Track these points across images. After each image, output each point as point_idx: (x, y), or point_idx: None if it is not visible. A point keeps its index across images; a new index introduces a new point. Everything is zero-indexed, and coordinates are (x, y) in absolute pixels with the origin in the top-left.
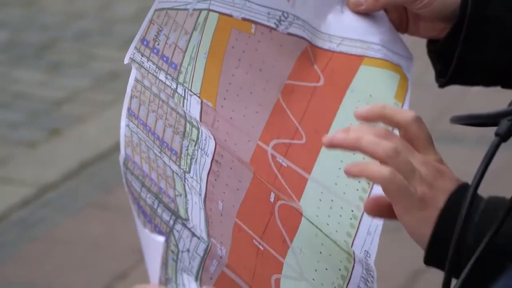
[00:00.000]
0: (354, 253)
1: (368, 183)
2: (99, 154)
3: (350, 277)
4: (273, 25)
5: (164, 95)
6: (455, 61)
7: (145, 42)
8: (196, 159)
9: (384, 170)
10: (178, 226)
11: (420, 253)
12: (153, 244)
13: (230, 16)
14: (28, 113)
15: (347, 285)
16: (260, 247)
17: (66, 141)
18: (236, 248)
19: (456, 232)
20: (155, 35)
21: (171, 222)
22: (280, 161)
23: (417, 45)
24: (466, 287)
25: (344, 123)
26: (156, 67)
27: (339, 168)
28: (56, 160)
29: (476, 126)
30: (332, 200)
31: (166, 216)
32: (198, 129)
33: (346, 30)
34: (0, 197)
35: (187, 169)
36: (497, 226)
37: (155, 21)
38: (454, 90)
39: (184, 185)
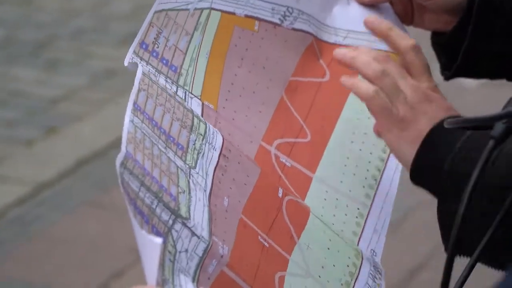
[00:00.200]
0: (361, 250)
1: (375, 180)
2: (95, 153)
3: (358, 273)
4: (277, 21)
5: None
6: (462, 53)
7: (144, 45)
8: (203, 154)
9: (370, 89)
10: (178, 226)
11: (416, 253)
12: (150, 245)
13: (233, 13)
14: (24, 112)
15: (355, 281)
16: (266, 243)
17: (63, 139)
18: (239, 245)
19: (453, 235)
20: (154, 38)
21: (170, 221)
22: (284, 161)
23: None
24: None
25: (350, 118)
26: (156, 71)
27: (345, 165)
28: (52, 159)
29: (472, 129)
30: (337, 199)
31: (165, 215)
32: (205, 123)
33: (352, 23)
34: None
35: (193, 164)
36: (497, 222)
37: (155, 23)
38: (450, 88)
39: (189, 181)
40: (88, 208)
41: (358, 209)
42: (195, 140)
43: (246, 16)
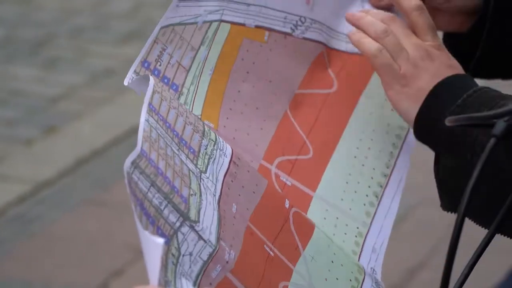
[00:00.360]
0: (363, 267)
1: (376, 196)
2: (95, 151)
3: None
4: (288, 30)
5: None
6: (478, 55)
7: (145, 64)
8: (214, 159)
9: (373, 45)
10: (185, 229)
11: (416, 252)
12: (153, 245)
13: (243, 25)
14: (24, 110)
15: None
16: (271, 252)
17: (62, 138)
18: (245, 252)
19: (453, 237)
20: (157, 55)
21: (177, 224)
22: (284, 179)
23: None
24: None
25: (355, 132)
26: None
27: (346, 182)
28: (52, 157)
29: (473, 127)
30: (337, 218)
31: (173, 217)
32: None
33: None
34: None
35: (204, 169)
36: (494, 228)
37: (160, 39)
38: None
39: (200, 185)
40: (87, 206)
41: (357, 228)
42: (207, 145)
43: (257, 26)
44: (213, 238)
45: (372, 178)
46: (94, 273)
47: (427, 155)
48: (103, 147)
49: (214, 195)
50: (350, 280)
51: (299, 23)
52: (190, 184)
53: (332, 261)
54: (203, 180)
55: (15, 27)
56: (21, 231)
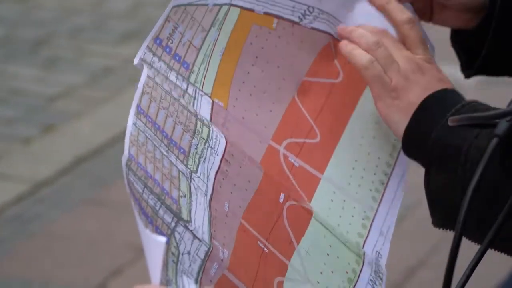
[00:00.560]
0: (364, 254)
1: (382, 184)
2: (93, 150)
3: (358, 279)
4: (296, 19)
5: (176, 93)
6: (484, 52)
7: (158, 41)
8: (205, 158)
9: (364, 57)
10: (180, 228)
11: (415, 250)
12: (154, 244)
13: (252, 10)
14: (23, 109)
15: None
16: (265, 249)
17: (61, 137)
18: (239, 250)
19: (454, 240)
20: (169, 33)
21: (173, 224)
22: (292, 161)
23: None
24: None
25: (360, 121)
26: (167, 67)
27: (353, 168)
28: (50, 156)
29: (475, 127)
30: (344, 200)
31: (167, 217)
32: (209, 127)
33: (372, 21)
34: None
35: (194, 169)
36: (496, 229)
37: (172, 18)
38: None
39: (190, 185)
40: (86, 205)
41: (364, 211)
42: (197, 144)
43: (265, 13)
44: (206, 237)
45: (376, 166)
46: (93, 272)
47: None
48: (102, 146)
49: (206, 195)
50: (347, 272)
51: (307, 12)
52: (180, 186)
53: (328, 254)
54: (193, 180)
55: (14, 26)
56: (20, 231)
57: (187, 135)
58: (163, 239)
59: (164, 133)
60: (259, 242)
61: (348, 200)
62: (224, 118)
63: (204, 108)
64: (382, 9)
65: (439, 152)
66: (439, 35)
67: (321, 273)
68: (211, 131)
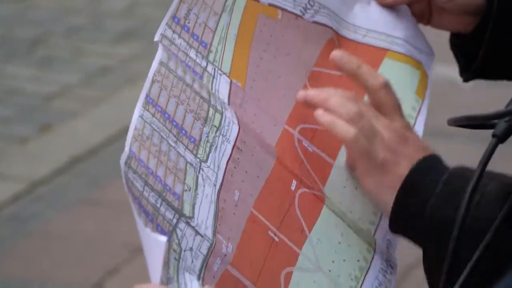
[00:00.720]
0: (375, 242)
1: None
2: (90, 150)
3: (369, 268)
4: (298, 13)
5: (190, 77)
6: (481, 55)
7: (176, 19)
8: (216, 146)
9: (349, 131)
10: (181, 225)
11: (411, 249)
12: (155, 243)
13: (257, 1)
14: (19, 109)
15: (365, 276)
16: (275, 238)
17: (57, 136)
18: (246, 241)
19: (452, 240)
20: (185, 14)
21: (174, 220)
22: (306, 145)
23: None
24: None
25: None
26: (187, 44)
27: None
28: (47, 156)
29: (473, 128)
30: (356, 188)
31: (169, 214)
32: (221, 114)
33: (371, 23)
34: None
35: (205, 158)
36: (494, 230)
37: (185, 0)
38: (446, 88)
39: (197, 177)
40: (83, 205)
41: None
42: (208, 132)
43: (270, 4)
44: (209, 233)
45: None
46: (90, 271)
47: None
48: (98, 145)
49: (215, 185)
50: (358, 260)
51: (308, 6)
52: (185, 179)
53: (339, 242)
54: (203, 170)
55: (11, 26)
56: (16, 230)
57: (198, 123)
58: (163, 238)
59: (174, 123)
60: (269, 231)
61: (360, 187)
62: (241, 98)
63: (222, 87)
64: (353, 75)
65: (436, 229)
66: (438, 35)
67: (332, 261)
68: (223, 118)
